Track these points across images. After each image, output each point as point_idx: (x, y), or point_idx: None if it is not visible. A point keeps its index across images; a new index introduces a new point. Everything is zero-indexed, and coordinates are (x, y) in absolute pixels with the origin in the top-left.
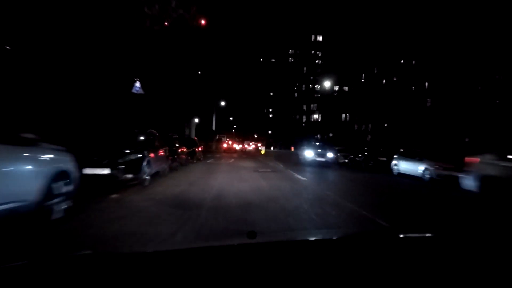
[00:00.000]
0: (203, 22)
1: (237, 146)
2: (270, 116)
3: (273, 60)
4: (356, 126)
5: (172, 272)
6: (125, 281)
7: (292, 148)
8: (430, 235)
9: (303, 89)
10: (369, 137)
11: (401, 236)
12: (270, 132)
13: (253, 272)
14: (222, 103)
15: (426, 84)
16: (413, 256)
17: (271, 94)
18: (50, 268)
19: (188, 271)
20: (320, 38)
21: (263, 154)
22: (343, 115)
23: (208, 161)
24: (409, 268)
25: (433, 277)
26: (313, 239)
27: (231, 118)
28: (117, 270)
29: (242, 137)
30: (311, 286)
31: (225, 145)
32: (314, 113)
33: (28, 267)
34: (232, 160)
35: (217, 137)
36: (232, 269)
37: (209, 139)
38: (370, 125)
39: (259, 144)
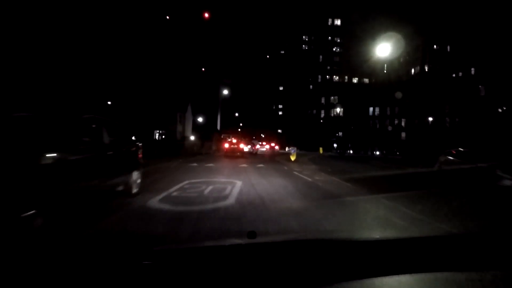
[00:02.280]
0: (206, 15)
1: (245, 147)
2: (280, 113)
3: (283, 52)
4: (387, 122)
5: (172, 272)
6: (125, 280)
7: (321, 149)
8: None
9: (319, 80)
10: (403, 134)
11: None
12: (280, 130)
13: (254, 271)
14: (225, 92)
15: (473, 70)
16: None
17: (281, 88)
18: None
19: (189, 271)
20: (338, 22)
21: (294, 161)
22: (371, 109)
23: (150, 203)
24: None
25: None
26: (313, 239)
27: (236, 114)
28: (116, 269)
29: (249, 136)
30: (311, 285)
31: (226, 145)
32: (334, 107)
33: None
34: (237, 186)
35: (222, 136)
36: (233, 269)
37: (207, 138)
38: (403, 121)
39: (272, 144)
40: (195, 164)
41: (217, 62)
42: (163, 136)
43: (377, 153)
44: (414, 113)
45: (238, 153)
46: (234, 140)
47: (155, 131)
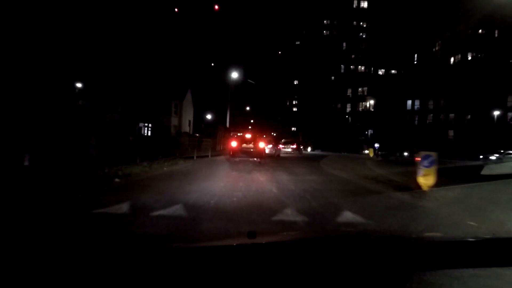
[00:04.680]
0: (216, 7)
1: (267, 147)
2: (295, 109)
3: (298, 43)
4: (430, 117)
5: (173, 271)
6: (125, 279)
7: (371, 152)
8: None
9: (342, 71)
10: (451, 132)
11: (395, 236)
12: (294, 128)
13: (253, 271)
14: (235, 75)
15: None
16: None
17: (296, 83)
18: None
19: (189, 270)
20: (364, 4)
21: (429, 185)
22: (408, 103)
23: None
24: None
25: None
26: (313, 238)
27: (247, 108)
28: (115, 267)
29: (259, 135)
30: (311, 285)
31: (234, 144)
32: (363, 100)
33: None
34: None
35: (231, 133)
36: (233, 269)
37: (211, 134)
38: (450, 116)
39: (296, 144)
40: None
41: (225, 50)
42: (150, 132)
43: (406, 154)
44: (466, 107)
45: (255, 158)
46: (248, 136)
47: (141, 124)
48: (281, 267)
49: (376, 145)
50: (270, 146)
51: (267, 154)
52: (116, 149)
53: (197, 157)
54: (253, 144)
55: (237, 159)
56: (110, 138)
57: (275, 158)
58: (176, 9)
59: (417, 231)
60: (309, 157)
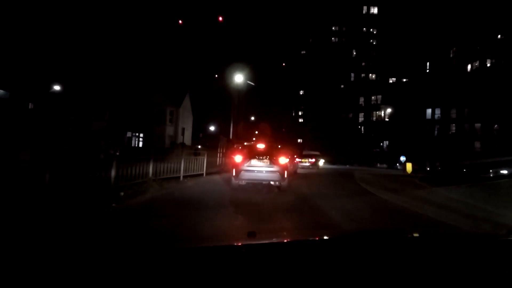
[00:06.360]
0: (220, 19)
1: (289, 161)
2: (301, 120)
3: (304, 52)
4: (453, 127)
5: (173, 271)
6: (127, 279)
7: (410, 166)
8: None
9: (352, 79)
10: (478, 144)
11: (402, 235)
12: (300, 140)
13: (253, 271)
14: (239, 79)
15: None
16: (410, 255)
17: (302, 93)
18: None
19: (189, 271)
20: (375, 10)
21: None
22: (428, 111)
23: None
24: (408, 268)
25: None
26: (313, 239)
27: (252, 118)
28: (118, 268)
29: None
30: (311, 285)
31: (239, 159)
32: (377, 109)
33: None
34: None
35: (234, 145)
36: (233, 269)
37: (213, 145)
38: (476, 126)
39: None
40: None
41: (228, 57)
42: (141, 142)
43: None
44: (495, 116)
45: (271, 181)
46: (261, 146)
47: (131, 134)
48: (280, 266)
49: (402, 158)
50: (287, 158)
51: (292, 170)
52: (82, 165)
53: (185, 176)
54: (269, 159)
55: (244, 182)
56: (88, 151)
57: (293, 177)
58: (180, 21)
59: None
60: (333, 174)
